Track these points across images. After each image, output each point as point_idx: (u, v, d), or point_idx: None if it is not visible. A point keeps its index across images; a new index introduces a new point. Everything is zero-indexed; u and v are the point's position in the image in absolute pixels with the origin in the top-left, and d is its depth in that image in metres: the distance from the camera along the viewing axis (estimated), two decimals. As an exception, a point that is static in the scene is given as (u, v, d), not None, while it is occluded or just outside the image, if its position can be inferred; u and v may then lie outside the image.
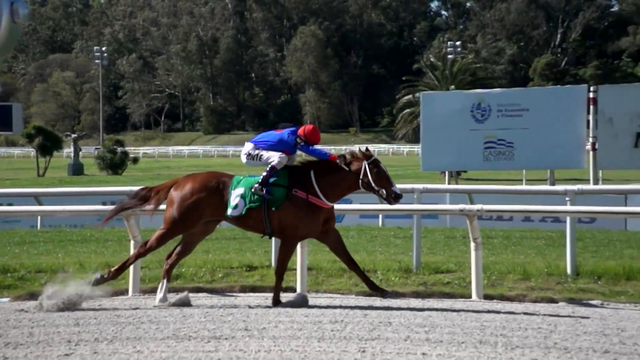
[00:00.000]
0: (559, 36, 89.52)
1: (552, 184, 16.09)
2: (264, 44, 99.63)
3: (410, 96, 57.02)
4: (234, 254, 11.38)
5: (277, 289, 8.41)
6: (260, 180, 8.06)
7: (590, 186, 13.98)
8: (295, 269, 9.42)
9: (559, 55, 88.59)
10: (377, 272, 9.90)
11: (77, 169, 48.58)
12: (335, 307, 8.22)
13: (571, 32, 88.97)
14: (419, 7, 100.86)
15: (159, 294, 8.37)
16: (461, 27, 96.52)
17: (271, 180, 8.06)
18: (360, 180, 8.10)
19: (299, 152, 8.40)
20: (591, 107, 15.65)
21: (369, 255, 11.09)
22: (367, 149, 8.26)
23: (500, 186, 17.94)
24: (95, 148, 61.55)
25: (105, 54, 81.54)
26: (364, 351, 6.32)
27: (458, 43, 66.32)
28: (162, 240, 8.35)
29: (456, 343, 6.58)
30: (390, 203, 8.20)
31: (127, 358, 6.19)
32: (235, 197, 8.07)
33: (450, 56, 62.73)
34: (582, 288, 9.24)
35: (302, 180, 8.09)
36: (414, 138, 51.40)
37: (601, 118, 15.42)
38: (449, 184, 19.85)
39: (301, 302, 8.31)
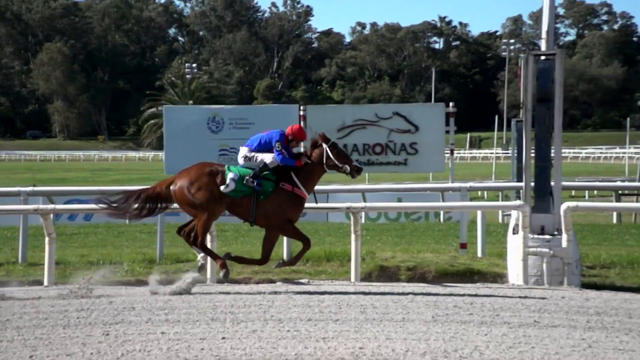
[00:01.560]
0: (275, 64, 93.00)
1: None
2: (9, 57, 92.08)
3: (154, 109, 55.95)
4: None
5: (295, 259, 8.25)
6: (252, 174, 7.88)
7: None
8: (44, 264, 8.84)
9: (276, 79, 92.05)
10: (123, 264, 9.59)
11: None
12: (82, 297, 7.80)
13: (285, 61, 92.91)
14: (159, 32, 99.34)
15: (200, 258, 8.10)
16: (196, 51, 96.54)
17: (263, 173, 7.91)
18: (324, 164, 7.95)
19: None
20: (302, 122, 16.41)
21: (115, 249, 10.72)
22: (323, 134, 8.09)
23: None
24: None
25: None
26: (107, 334, 6.12)
27: (194, 65, 66.21)
28: (203, 229, 7.94)
29: (191, 322, 6.57)
30: (353, 177, 8.12)
31: None
32: (229, 179, 7.84)
33: (188, 76, 62.43)
34: (294, 269, 9.51)
35: (286, 177, 7.94)
36: (159, 145, 50.54)
37: (309, 131, 16.16)
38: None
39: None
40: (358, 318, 6.67)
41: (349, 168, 7.99)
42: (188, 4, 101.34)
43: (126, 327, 6.38)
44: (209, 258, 8.29)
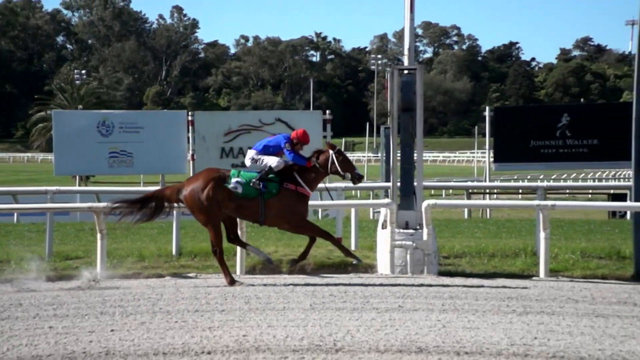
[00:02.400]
0: (164, 72, 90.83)
1: (163, 185, 16.36)
2: None
3: (43, 112, 53.17)
4: None
5: (344, 250, 8.17)
6: (258, 177, 7.83)
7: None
8: None
9: (165, 86, 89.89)
10: (10, 262, 9.02)
11: None
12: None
13: (173, 70, 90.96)
14: (46, 40, 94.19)
15: (261, 255, 8.18)
16: (85, 59, 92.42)
17: (269, 176, 7.87)
18: (328, 168, 7.94)
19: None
20: (190, 127, 16.19)
21: (3, 248, 10.07)
22: (330, 143, 8.20)
23: (123, 187, 17.60)
24: None
25: None
26: (-7, 330, 5.73)
27: (84, 71, 63.38)
28: (215, 237, 7.91)
29: (80, 316, 6.30)
30: (354, 183, 8.15)
31: None
32: (234, 181, 7.82)
33: (77, 82, 59.74)
34: (183, 265, 9.42)
35: (289, 177, 7.89)
36: (48, 148, 47.91)
37: (197, 136, 16.00)
38: (79, 186, 19.12)
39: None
40: (242, 308, 6.62)
41: (350, 176, 8.02)
42: (76, 14, 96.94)
43: (12, 322, 6.01)
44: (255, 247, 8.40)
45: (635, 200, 8.82)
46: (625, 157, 9.17)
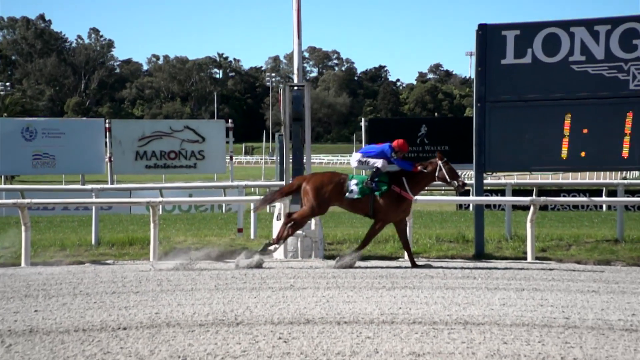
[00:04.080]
0: (83, 85, 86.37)
1: (84, 184, 15.54)
2: None
3: (-33, 120, 48.94)
4: None
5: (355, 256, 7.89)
6: (370, 177, 7.88)
7: (109, 185, 13.88)
8: None
9: (84, 97, 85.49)
10: None
11: None
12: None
13: (91, 83, 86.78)
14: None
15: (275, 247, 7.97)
16: (9, 72, 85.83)
17: (377, 178, 7.85)
18: (436, 176, 7.87)
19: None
20: (107, 133, 15.52)
21: None
22: (440, 153, 8.13)
23: (46, 186, 16.64)
24: None
25: None
26: None
27: (8, 84, 58.94)
28: (304, 219, 7.95)
29: (6, 298, 5.87)
30: (459, 190, 8.04)
31: None
32: (352, 186, 7.84)
33: (2, 92, 55.57)
34: (102, 253, 9.04)
35: (398, 181, 7.85)
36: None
37: (114, 141, 15.43)
38: (4, 184, 17.95)
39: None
40: (155, 289, 6.42)
41: (456, 183, 7.92)
42: (0, 33, 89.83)
43: None
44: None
45: (476, 195, 9.40)
46: (468, 161, 9.72)
